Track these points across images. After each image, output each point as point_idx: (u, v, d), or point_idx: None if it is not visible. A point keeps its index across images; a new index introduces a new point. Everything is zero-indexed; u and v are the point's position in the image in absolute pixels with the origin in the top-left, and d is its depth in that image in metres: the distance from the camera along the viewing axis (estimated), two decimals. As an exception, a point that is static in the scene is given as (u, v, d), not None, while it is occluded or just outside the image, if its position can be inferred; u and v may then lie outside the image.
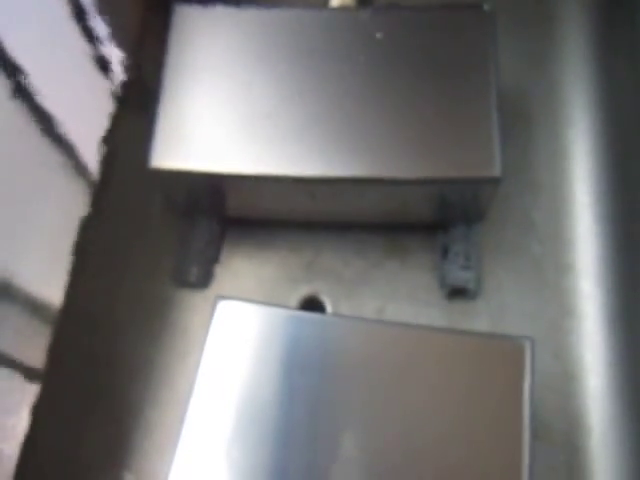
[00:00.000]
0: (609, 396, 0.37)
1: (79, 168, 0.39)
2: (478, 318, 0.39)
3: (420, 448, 0.29)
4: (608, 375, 0.37)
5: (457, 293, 0.39)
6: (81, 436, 0.37)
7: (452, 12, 0.38)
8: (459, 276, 0.39)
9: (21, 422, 0.34)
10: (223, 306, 0.32)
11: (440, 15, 0.38)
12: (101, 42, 0.40)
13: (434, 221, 0.40)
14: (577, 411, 0.37)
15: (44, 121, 0.35)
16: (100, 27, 0.40)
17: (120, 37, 0.42)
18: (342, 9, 0.40)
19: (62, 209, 0.39)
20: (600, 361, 0.37)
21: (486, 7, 0.38)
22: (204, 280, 0.41)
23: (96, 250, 0.40)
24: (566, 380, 0.37)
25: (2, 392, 0.33)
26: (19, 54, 0.32)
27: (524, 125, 0.43)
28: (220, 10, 0.39)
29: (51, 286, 0.37)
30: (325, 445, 0.29)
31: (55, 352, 0.36)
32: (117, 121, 0.42)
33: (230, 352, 0.32)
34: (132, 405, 0.38)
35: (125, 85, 0.43)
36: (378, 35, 0.38)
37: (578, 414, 0.37)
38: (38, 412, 0.35)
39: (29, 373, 0.35)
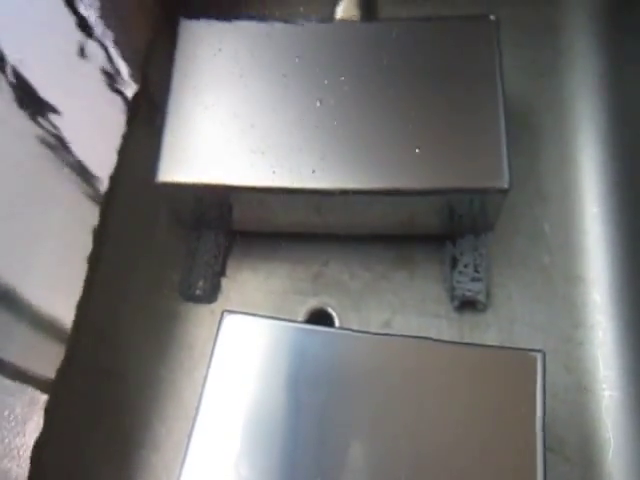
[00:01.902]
0: (624, 408, 0.36)
1: (88, 182, 0.39)
2: (488, 330, 0.39)
3: (430, 463, 0.29)
4: (622, 387, 0.36)
5: (466, 305, 0.39)
6: (88, 451, 0.37)
7: (457, 23, 0.38)
8: (468, 288, 0.38)
9: (29, 439, 0.34)
10: (230, 320, 0.32)
11: (445, 26, 0.38)
12: (109, 57, 0.41)
13: (442, 232, 0.40)
14: (591, 424, 0.36)
15: (54, 136, 0.35)
16: (108, 43, 0.40)
17: (128, 52, 0.43)
18: (347, 22, 0.40)
19: (70, 223, 0.39)
20: (613, 373, 0.37)
21: (491, 17, 0.38)
22: (210, 294, 0.41)
23: (102, 264, 0.40)
24: (579, 393, 0.37)
25: (9, 408, 0.33)
26: (27, 71, 0.33)
27: (531, 135, 0.43)
28: (226, 25, 0.39)
29: (60, 300, 0.37)
30: (334, 459, 0.29)
31: (61, 367, 0.36)
32: (125, 135, 0.42)
33: (237, 366, 0.31)
34: (139, 420, 0.38)
35: (132, 100, 0.43)
36: (383, 48, 0.38)
37: (592, 427, 0.36)
38: (44, 427, 0.35)
39: (37, 389, 0.35)
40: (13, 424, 0.33)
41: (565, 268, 0.40)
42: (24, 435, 0.33)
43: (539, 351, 0.30)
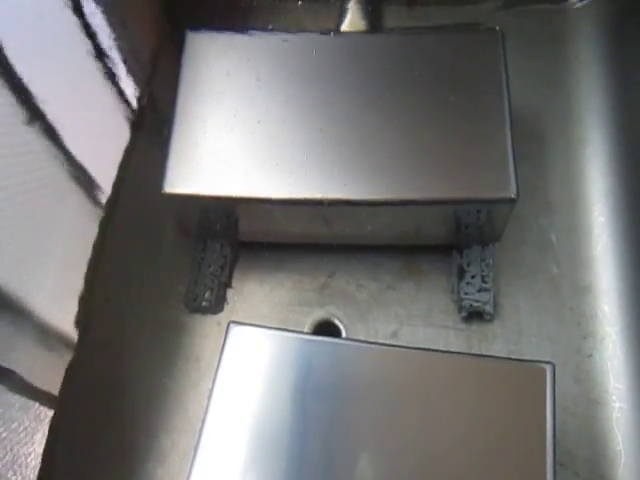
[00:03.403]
0: (634, 421, 0.35)
1: (93, 193, 0.39)
2: (495, 341, 0.38)
3: (438, 475, 0.28)
4: (632, 399, 0.36)
5: (474, 315, 0.39)
6: (94, 464, 0.37)
7: (463, 34, 0.38)
8: (476, 298, 0.38)
9: (35, 451, 0.34)
10: (236, 331, 0.32)
11: (451, 37, 0.38)
12: (116, 68, 0.41)
13: (449, 242, 0.40)
14: (601, 437, 0.36)
15: (59, 147, 0.36)
16: (115, 53, 0.41)
17: (134, 64, 0.43)
18: (353, 33, 0.41)
19: (76, 235, 0.39)
20: (624, 385, 0.36)
21: (497, 28, 0.38)
22: (216, 305, 0.41)
23: (108, 275, 0.40)
24: (589, 405, 0.36)
25: (17, 421, 0.33)
26: (34, 83, 0.33)
27: (538, 145, 0.43)
28: (232, 36, 0.40)
29: (67, 313, 0.37)
30: (340, 471, 0.29)
31: (67, 378, 0.36)
32: (130, 146, 0.43)
33: (243, 378, 0.31)
34: (145, 432, 0.37)
35: (138, 111, 0.44)
36: (389, 59, 0.38)
37: (603, 441, 0.35)
38: (50, 439, 0.35)
39: (43, 401, 0.35)
40: (22, 435, 0.33)
41: (573, 278, 0.39)
42: (32, 445, 0.33)
43: (549, 363, 0.30)
